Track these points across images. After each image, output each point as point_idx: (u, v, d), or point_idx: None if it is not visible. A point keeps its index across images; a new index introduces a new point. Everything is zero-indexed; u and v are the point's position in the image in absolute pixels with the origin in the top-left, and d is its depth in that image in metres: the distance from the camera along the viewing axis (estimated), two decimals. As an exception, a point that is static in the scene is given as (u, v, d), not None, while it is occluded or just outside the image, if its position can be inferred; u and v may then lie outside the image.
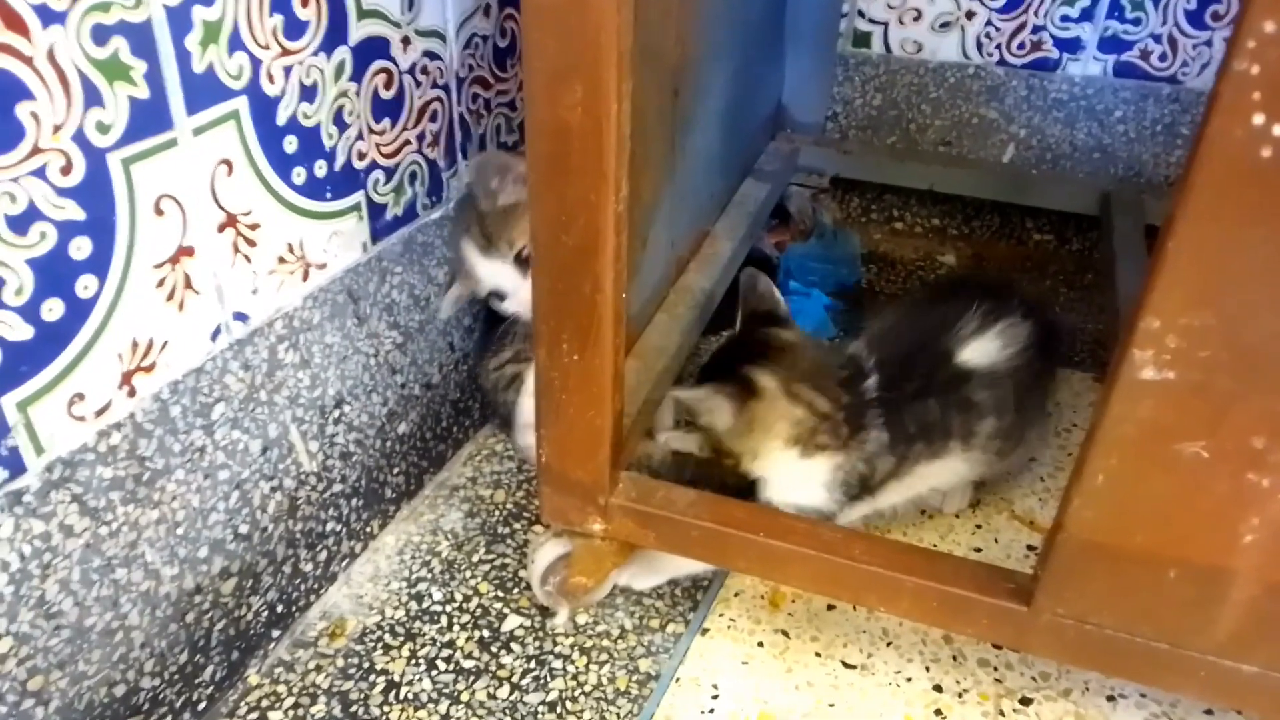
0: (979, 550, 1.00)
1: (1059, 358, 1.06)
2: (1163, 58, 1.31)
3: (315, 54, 0.77)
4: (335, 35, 0.79)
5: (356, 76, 0.82)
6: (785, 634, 0.91)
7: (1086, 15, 1.31)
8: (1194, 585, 0.67)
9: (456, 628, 0.92)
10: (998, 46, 1.37)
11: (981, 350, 0.92)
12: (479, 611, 0.93)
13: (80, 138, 0.60)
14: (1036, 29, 1.34)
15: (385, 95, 0.87)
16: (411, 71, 0.89)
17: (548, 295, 0.72)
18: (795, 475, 0.88)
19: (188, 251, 0.71)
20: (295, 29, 0.75)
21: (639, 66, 0.65)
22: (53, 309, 0.62)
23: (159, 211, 0.67)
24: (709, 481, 0.90)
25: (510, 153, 0.95)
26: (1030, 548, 1.01)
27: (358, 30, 0.81)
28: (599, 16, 0.60)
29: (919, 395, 0.90)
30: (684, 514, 0.81)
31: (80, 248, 0.62)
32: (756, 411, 0.87)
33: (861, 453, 0.88)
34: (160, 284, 0.69)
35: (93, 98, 0.60)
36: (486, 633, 0.91)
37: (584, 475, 0.81)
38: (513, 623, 0.92)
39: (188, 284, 0.71)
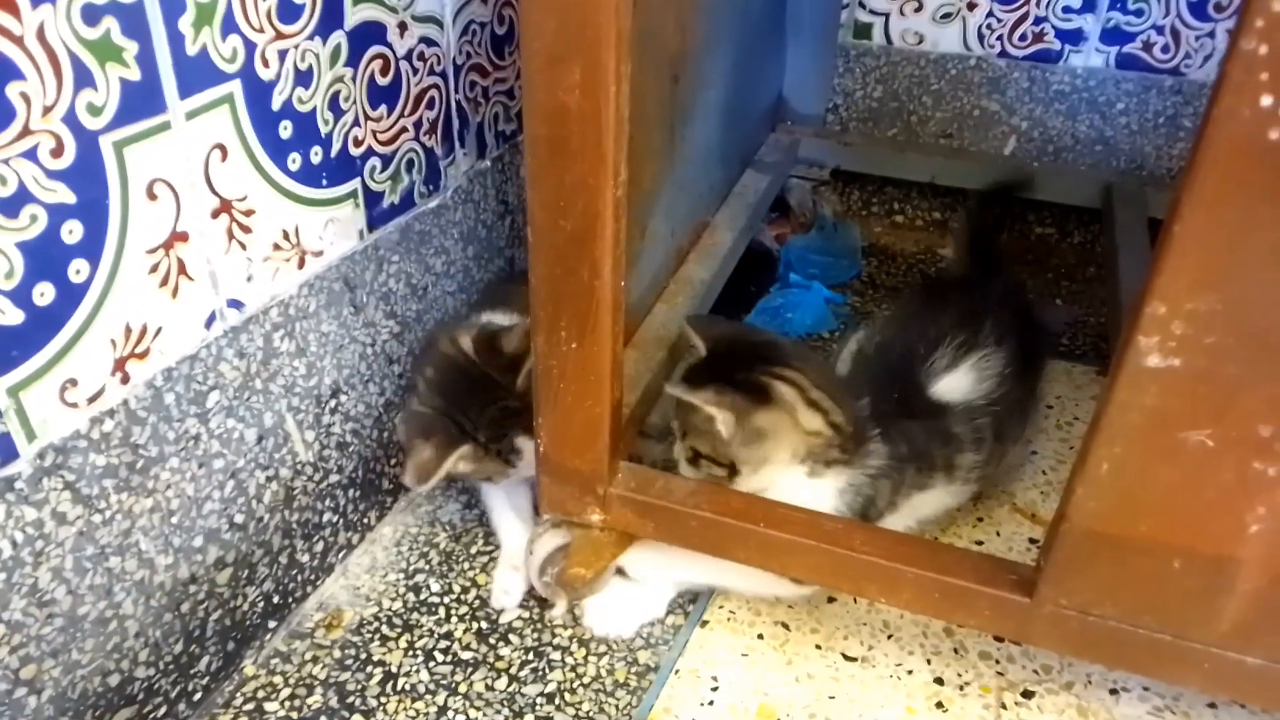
0: (980, 543, 1.00)
1: (1043, 356, 1.04)
2: (1165, 49, 1.30)
3: (310, 38, 0.76)
4: (331, 19, 0.78)
5: (352, 62, 0.82)
6: (785, 626, 0.91)
7: (1088, 6, 1.30)
8: (1199, 576, 0.66)
9: (454, 619, 0.91)
10: (999, 38, 1.36)
11: (956, 385, 0.92)
12: (477, 603, 0.93)
13: (71, 119, 0.60)
14: (1038, 20, 1.33)
15: (382, 81, 0.86)
16: (408, 58, 0.88)
17: (545, 282, 0.72)
18: (798, 495, 0.83)
19: (181, 237, 0.70)
20: (290, 12, 0.74)
21: (639, 51, 0.64)
22: (44, 293, 0.61)
23: (152, 196, 0.66)
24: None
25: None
26: (1032, 541, 1.00)
27: (354, 15, 0.80)
28: (598, -3, 0.59)
29: (902, 415, 0.88)
30: (683, 504, 0.81)
31: (72, 231, 0.61)
32: (767, 421, 0.81)
33: (865, 469, 0.84)
34: (154, 269, 0.68)
35: (84, 79, 0.60)
36: (484, 624, 0.90)
37: (582, 465, 0.81)
38: (511, 614, 0.92)
39: (182, 270, 0.70)
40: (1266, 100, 0.51)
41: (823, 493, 0.84)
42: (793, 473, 0.83)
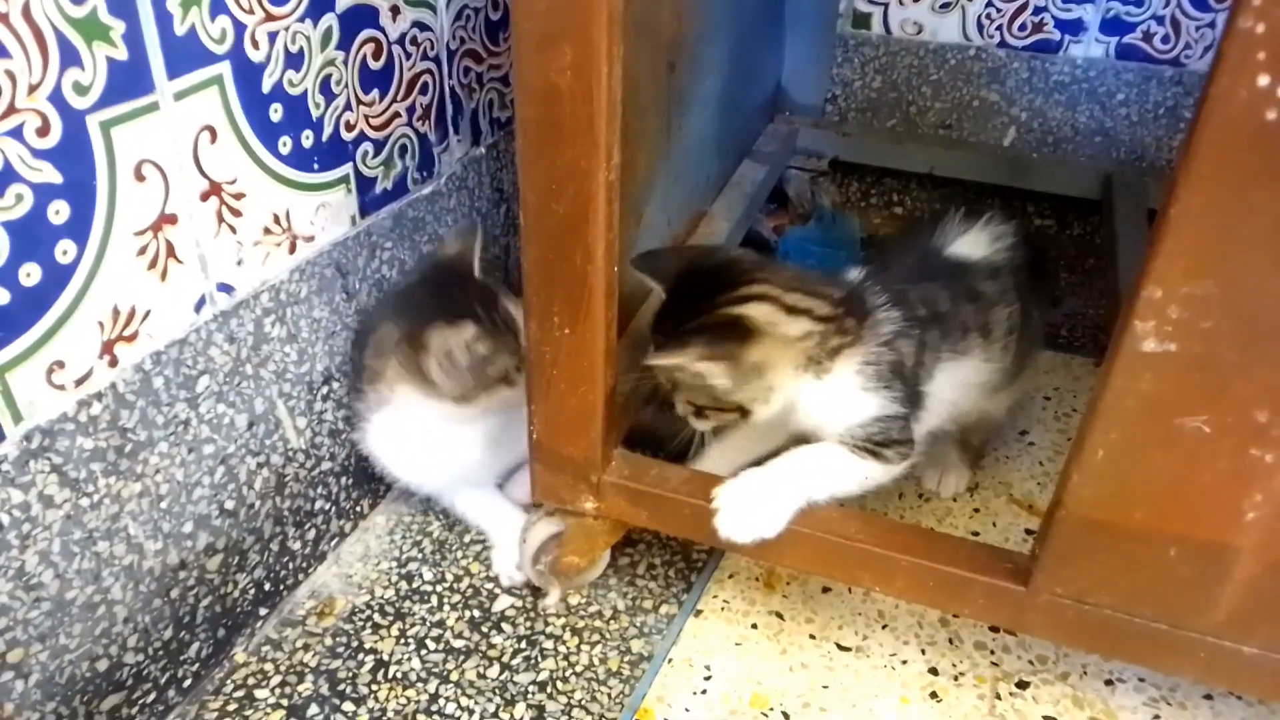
0: (977, 534, 0.99)
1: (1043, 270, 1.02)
2: (1165, 40, 1.29)
3: (301, 20, 0.76)
4: (321, 2, 0.77)
5: (344, 45, 0.81)
6: (780, 616, 0.90)
7: (1089, -4, 1.29)
8: (1194, 564, 0.66)
9: (447, 607, 0.90)
10: (999, 28, 1.35)
11: (972, 243, 0.90)
12: (470, 591, 0.92)
13: (58, 98, 0.59)
14: (1038, 10, 1.32)
15: (374, 65, 0.85)
16: (401, 42, 0.88)
17: (538, 266, 0.71)
18: (829, 398, 0.78)
19: (170, 219, 0.69)
20: (281, -6, 0.73)
21: (633, 36, 0.64)
22: (30, 274, 0.60)
23: (140, 177, 0.66)
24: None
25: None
26: (1029, 531, 0.99)
27: (346, -3, 0.80)
28: (589, -24, 0.58)
29: (917, 277, 0.84)
30: (677, 492, 0.80)
31: (58, 211, 0.61)
32: (759, 352, 0.76)
33: (878, 337, 0.79)
34: (142, 251, 0.68)
35: (70, 58, 0.59)
36: (477, 612, 0.90)
37: (576, 452, 0.80)
38: (504, 603, 0.91)
39: (170, 252, 0.70)
40: (1263, 80, 0.50)
41: (843, 383, 0.78)
42: (802, 383, 0.78)
